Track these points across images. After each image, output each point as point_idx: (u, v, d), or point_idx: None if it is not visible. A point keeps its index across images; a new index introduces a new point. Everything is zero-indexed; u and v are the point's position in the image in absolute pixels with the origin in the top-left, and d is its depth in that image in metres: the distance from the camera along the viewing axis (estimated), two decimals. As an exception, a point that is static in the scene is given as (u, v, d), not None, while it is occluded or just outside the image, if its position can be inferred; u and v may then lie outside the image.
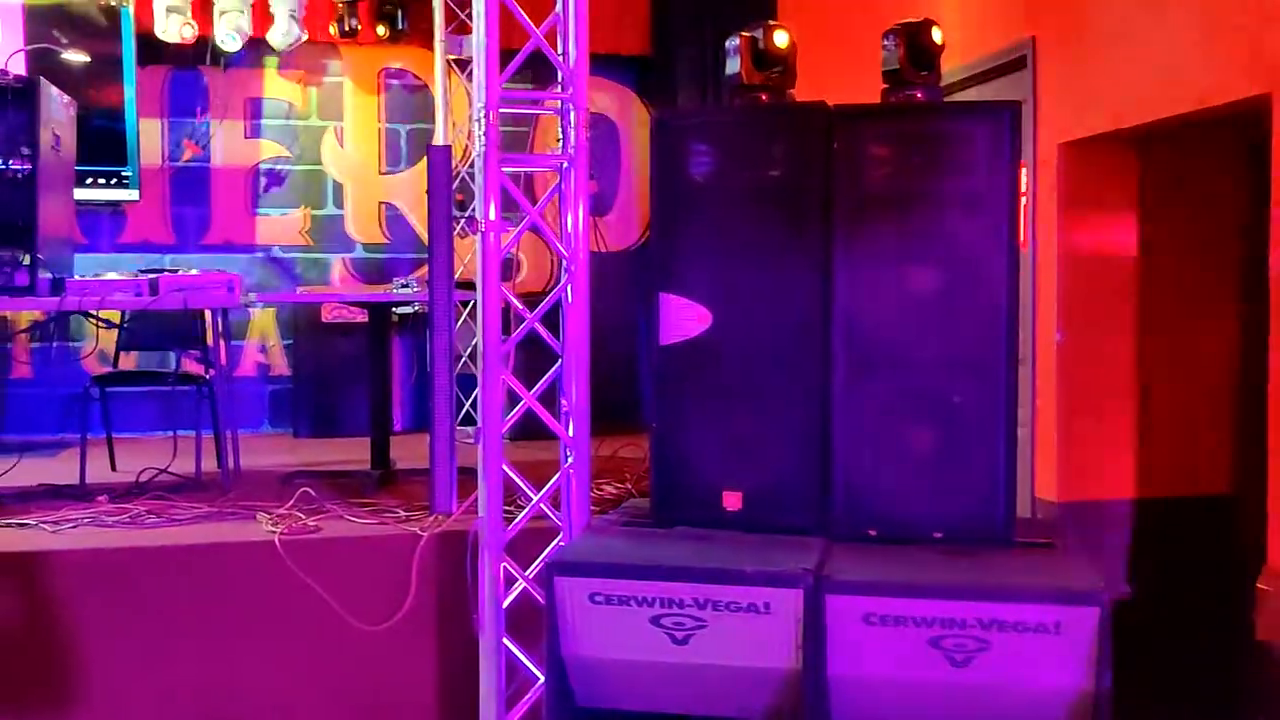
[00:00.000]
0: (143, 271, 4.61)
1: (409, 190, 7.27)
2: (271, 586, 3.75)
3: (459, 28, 6.41)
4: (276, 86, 7.13)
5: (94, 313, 4.59)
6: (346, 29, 6.89)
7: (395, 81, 7.30)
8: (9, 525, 4.05)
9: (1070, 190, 4.04)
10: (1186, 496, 4.06)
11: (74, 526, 4.03)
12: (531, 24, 3.42)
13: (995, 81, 4.44)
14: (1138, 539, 3.98)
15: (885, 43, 2.97)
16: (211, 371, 5.17)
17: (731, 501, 2.96)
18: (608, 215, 7.39)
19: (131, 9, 6.52)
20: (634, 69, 7.47)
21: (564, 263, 3.54)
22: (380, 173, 7.32)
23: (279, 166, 7.12)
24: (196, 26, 6.50)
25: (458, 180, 6.20)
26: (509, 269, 4.98)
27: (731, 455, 2.98)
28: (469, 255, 5.25)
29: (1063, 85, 4.01)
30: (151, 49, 6.61)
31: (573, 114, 3.47)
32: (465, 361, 6.15)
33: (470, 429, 3.63)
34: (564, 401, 3.56)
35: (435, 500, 4.10)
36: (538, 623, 2.95)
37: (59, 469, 5.07)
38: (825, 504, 2.90)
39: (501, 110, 3.41)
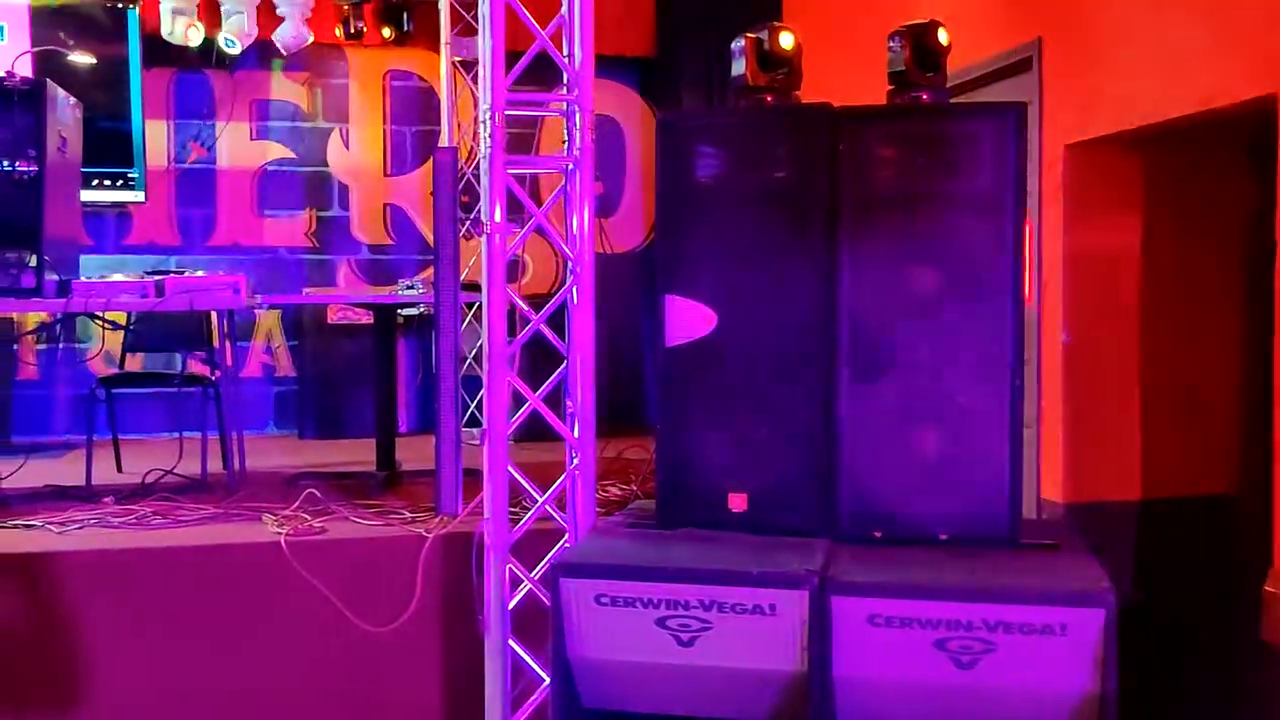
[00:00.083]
0: (149, 273, 4.62)
1: (414, 192, 7.28)
2: (277, 588, 3.76)
3: (464, 29, 6.42)
4: (282, 88, 7.15)
5: (100, 314, 4.59)
6: (352, 31, 6.90)
7: (401, 83, 7.31)
8: (15, 526, 4.06)
9: (1076, 191, 4.04)
10: (1192, 497, 4.06)
11: (80, 528, 4.04)
12: (537, 26, 3.43)
13: (1001, 83, 4.44)
14: (1143, 540, 3.97)
15: (891, 44, 2.97)
16: (217, 373, 5.18)
17: (737, 503, 2.96)
18: (612, 217, 7.40)
19: (138, 11, 6.54)
20: (639, 70, 7.48)
21: (569, 264, 3.54)
22: (385, 174, 7.33)
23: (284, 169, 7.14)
24: (203, 29, 6.51)
25: (463, 182, 6.21)
26: (514, 271, 4.98)
27: (737, 457, 2.97)
28: (474, 257, 5.26)
29: (1068, 86, 4.01)
30: (157, 51, 6.63)
31: (578, 115, 3.48)
32: (470, 363, 6.15)
33: (475, 430, 3.63)
34: (569, 403, 3.56)
35: (441, 502, 4.11)
36: (543, 624, 2.95)
37: (65, 470, 5.09)
38: (830, 505, 2.90)
39: (507, 112, 3.41)
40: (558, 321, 3.59)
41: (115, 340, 5.65)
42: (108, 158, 6.40)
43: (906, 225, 2.86)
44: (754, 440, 2.96)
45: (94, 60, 5.92)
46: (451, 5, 6.25)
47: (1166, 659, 3.79)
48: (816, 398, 2.90)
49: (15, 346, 6.65)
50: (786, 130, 3.02)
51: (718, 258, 3.01)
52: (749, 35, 3.04)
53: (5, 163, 4.13)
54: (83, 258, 4.86)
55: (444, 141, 6.57)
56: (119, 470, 5.19)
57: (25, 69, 5.40)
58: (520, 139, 6.74)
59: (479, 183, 3.62)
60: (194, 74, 6.95)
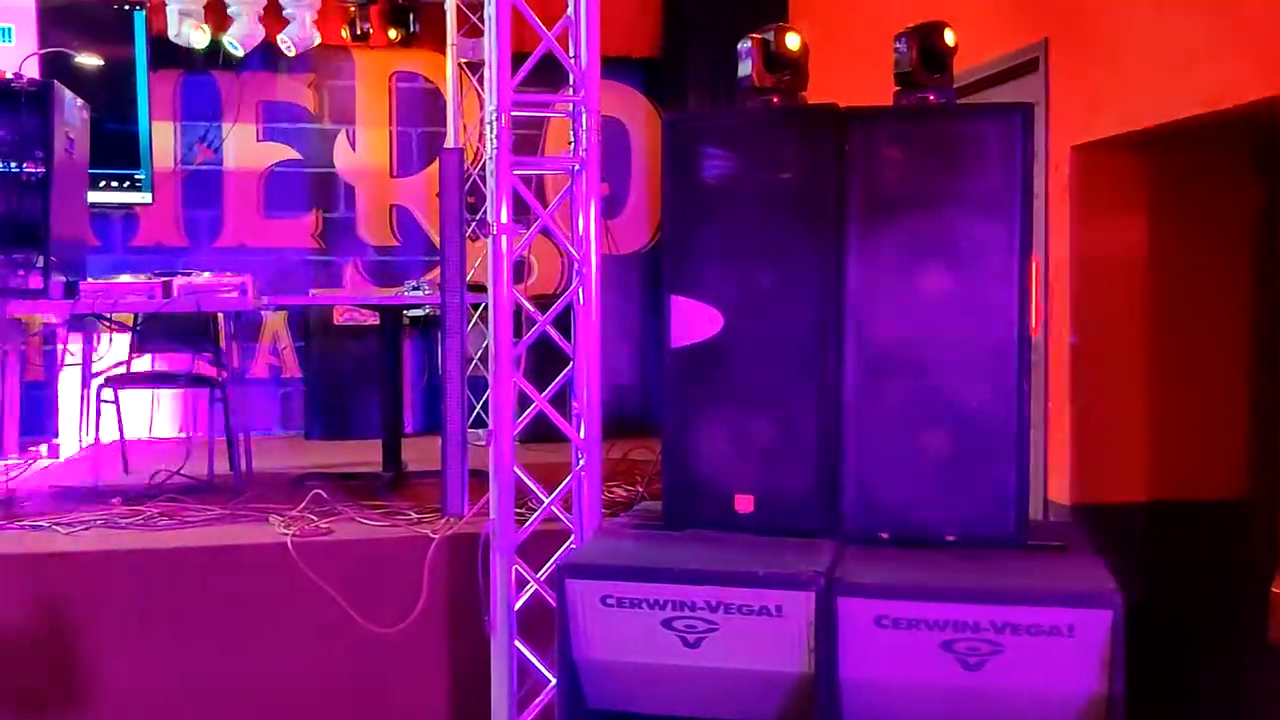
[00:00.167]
0: (156, 274, 4.63)
1: (420, 193, 7.29)
2: (283, 589, 3.76)
3: (471, 31, 6.43)
4: (288, 90, 7.15)
5: (107, 315, 4.60)
6: (358, 32, 6.91)
7: (407, 84, 7.32)
8: (23, 527, 4.07)
9: (1082, 192, 4.03)
10: (1199, 500, 4.05)
11: (87, 528, 4.04)
12: (543, 27, 3.43)
13: (1007, 84, 4.44)
14: (1149, 542, 3.96)
15: (897, 45, 2.97)
16: (224, 374, 5.19)
17: (743, 504, 2.96)
18: (618, 218, 7.40)
19: (145, 13, 6.55)
20: (644, 72, 7.48)
21: (575, 265, 3.55)
22: (391, 176, 7.33)
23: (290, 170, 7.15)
24: (208, 31, 6.53)
25: (469, 183, 6.22)
26: (520, 272, 4.99)
27: (743, 458, 2.97)
28: (480, 258, 5.27)
29: (1074, 87, 4.00)
30: (164, 52, 6.64)
31: (584, 117, 3.48)
32: (476, 364, 6.16)
33: (481, 431, 3.64)
34: (575, 404, 3.56)
35: (447, 502, 4.11)
36: (549, 625, 2.95)
37: (72, 471, 5.10)
38: (837, 506, 2.90)
39: (513, 113, 3.42)
40: (563, 322, 3.59)
41: (123, 341, 5.66)
42: (115, 159, 6.41)
43: (913, 226, 2.86)
44: (760, 441, 2.96)
45: (101, 62, 5.93)
46: (458, 6, 6.27)
47: (1173, 661, 3.78)
48: (823, 399, 2.90)
49: (23, 347, 6.66)
50: (793, 131, 3.03)
51: (724, 259, 3.01)
52: (755, 36, 3.04)
53: (13, 164, 4.15)
54: (90, 259, 4.87)
55: (450, 143, 6.58)
56: (126, 471, 5.20)
57: (33, 71, 5.42)
58: (526, 140, 6.72)
59: (485, 184, 3.63)
60: (201, 76, 6.96)
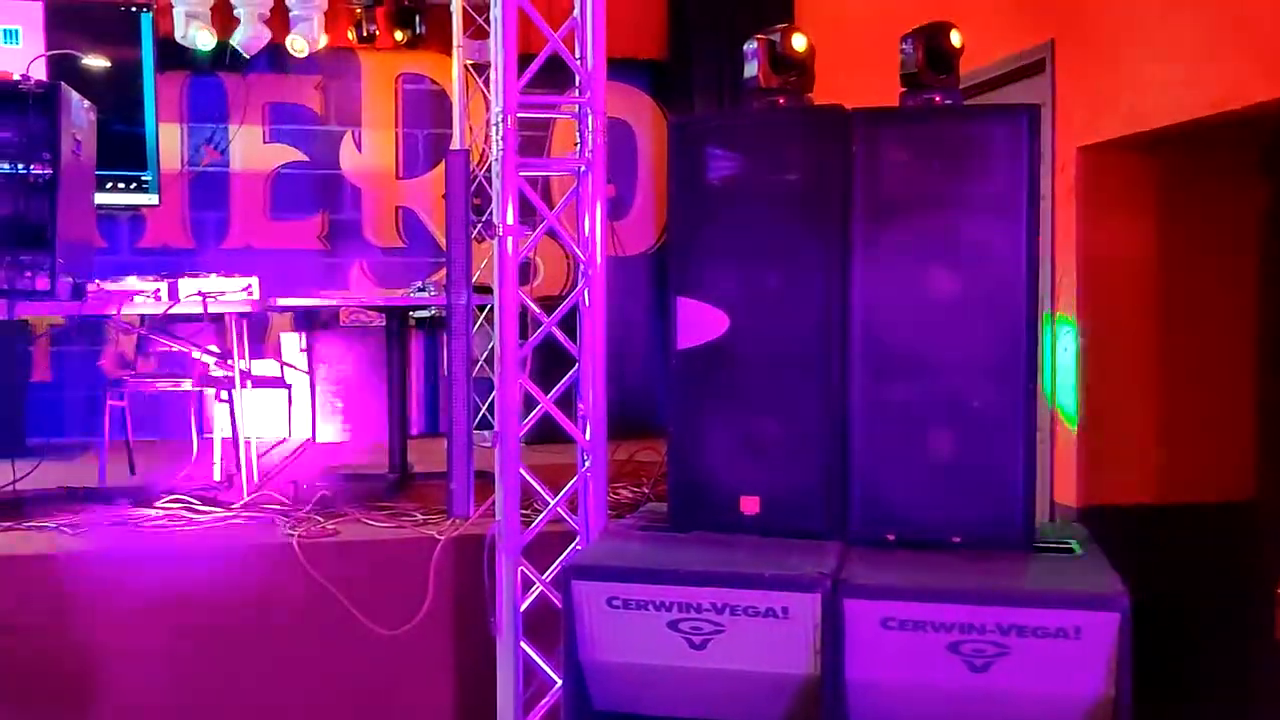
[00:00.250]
0: (162, 276, 4.63)
1: (426, 195, 7.29)
2: (290, 589, 3.77)
3: (477, 32, 6.43)
4: (295, 91, 7.16)
5: (114, 316, 4.61)
6: (365, 34, 6.92)
7: (413, 86, 7.32)
8: (30, 528, 4.07)
9: (1089, 193, 4.02)
10: (1206, 502, 4.04)
11: (94, 530, 4.05)
12: (549, 28, 3.43)
13: (1013, 85, 4.43)
14: (1156, 544, 3.95)
15: (903, 46, 2.97)
16: (230, 375, 5.19)
17: (749, 506, 2.95)
18: (623, 219, 7.40)
19: (152, 15, 6.57)
20: (650, 73, 7.48)
21: (581, 267, 3.54)
22: (397, 177, 7.34)
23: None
24: (214, 34, 6.53)
25: (475, 184, 6.22)
26: (525, 273, 4.99)
27: (749, 459, 2.97)
28: (485, 259, 5.27)
29: (1081, 88, 4.00)
30: (171, 54, 6.66)
31: (590, 118, 3.48)
32: (482, 365, 6.16)
33: (487, 433, 3.63)
34: (581, 405, 3.56)
35: (453, 504, 4.11)
36: (555, 626, 2.95)
37: (79, 472, 5.11)
38: (843, 508, 2.89)
39: (519, 115, 3.42)
40: (569, 324, 3.59)
41: (129, 342, 5.67)
42: (122, 161, 6.43)
43: (919, 227, 2.85)
44: (766, 443, 2.96)
45: (108, 64, 5.94)
46: (464, 8, 6.26)
47: (1180, 663, 3.77)
48: (829, 400, 2.89)
49: (30, 348, 6.68)
50: (799, 132, 3.02)
51: (730, 260, 3.00)
52: (761, 37, 3.03)
53: (20, 166, 4.15)
54: (97, 260, 4.88)
55: (456, 144, 6.58)
56: (132, 472, 5.21)
57: (40, 73, 5.43)
58: (532, 141, 6.75)
59: (491, 185, 3.63)
60: (207, 77, 6.97)
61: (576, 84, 3.51)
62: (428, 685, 3.86)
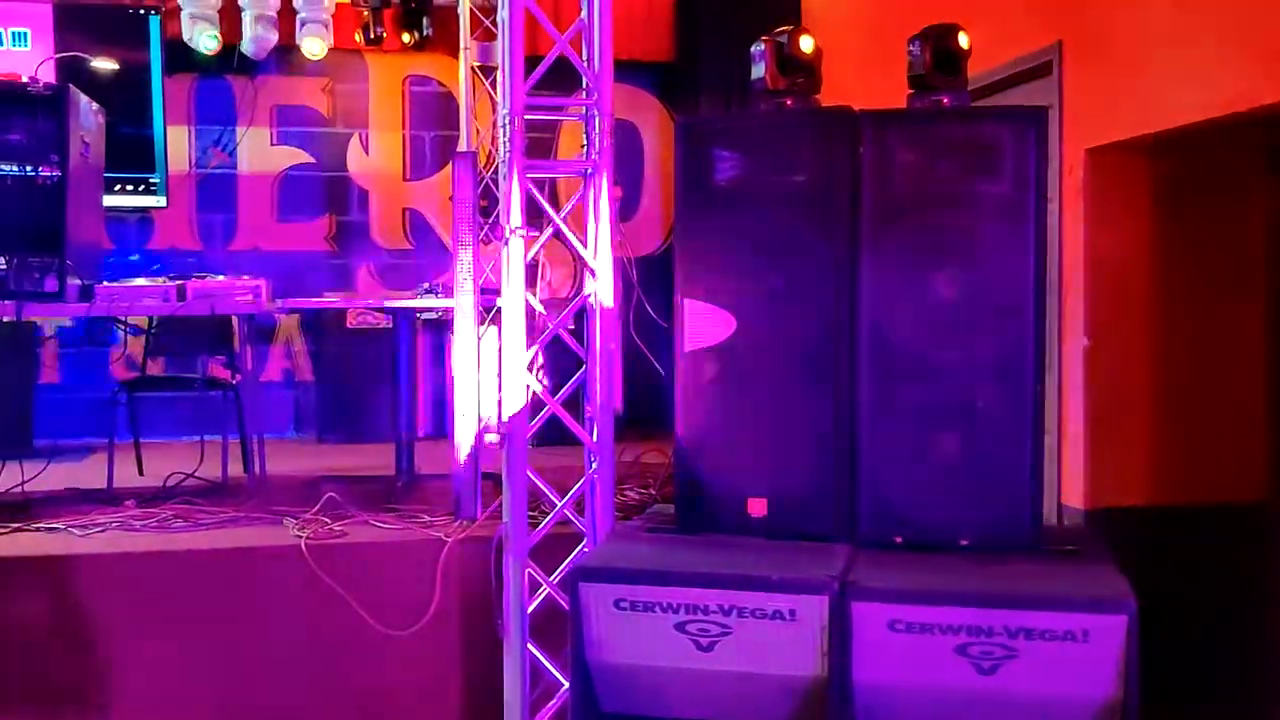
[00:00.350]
0: (170, 277, 4.65)
1: (433, 196, 7.30)
2: (297, 591, 3.77)
3: (484, 34, 6.43)
4: (302, 94, 7.18)
5: (122, 318, 4.62)
6: (372, 36, 6.92)
7: (420, 88, 7.33)
8: (38, 529, 4.08)
9: (1096, 195, 4.02)
10: (1215, 504, 4.03)
11: (102, 531, 4.06)
12: (556, 31, 3.43)
13: (1021, 87, 4.42)
14: (1165, 547, 3.94)
15: (911, 48, 2.96)
16: (238, 377, 5.21)
17: (756, 508, 2.95)
18: (630, 221, 7.40)
19: (160, 17, 6.58)
20: (657, 75, 7.48)
21: (588, 268, 3.55)
22: (405, 179, 7.35)
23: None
24: (219, 38, 6.54)
25: (482, 186, 6.22)
26: (532, 274, 4.98)
27: (756, 461, 2.97)
28: (492, 261, 5.27)
29: (1089, 90, 3.99)
30: (179, 56, 6.67)
31: (597, 120, 3.48)
32: (489, 367, 6.16)
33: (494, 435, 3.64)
34: (588, 407, 3.56)
35: (460, 505, 4.12)
36: (562, 628, 2.95)
37: (86, 473, 5.12)
38: (851, 511, 2.89)
39: (526, 116, 3.42)
40: (576, 325, 3.59)
41: (137, 344, 5.68)
42: (130, 163, 6.45)
43: (927, 229, 2.85)
44: (773, 445, 2.95)
45: (116, 66, 5.96)
46: (471, 10, 6.26)
47: (1188, 665, 3.76)
48: (837, 402, 2.89)
49: (38, 350, 6.70)
50: (807, 134, 3.02)
51: (736, 262, 3.00)
52: (769, 39, 3.03)
53: (29, 168, 4.17)
54: (105, 262, 4.89)
55: (463, 146, 6.58)
56: (140, 473, 5.22)
57: (49, 75, 5.44)
58: (539, 143, 6.75)
59: (498, 187, 3.63)
60: (215, 80, 6.98)
61: (583, 86, 3.51)
62: (435, 686, 3.87)
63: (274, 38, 6.68)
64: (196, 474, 4.78)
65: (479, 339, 4.13)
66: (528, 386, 3.48)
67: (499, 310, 3.59)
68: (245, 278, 4.75)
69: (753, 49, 3.07)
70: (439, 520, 4.14)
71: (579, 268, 3.66)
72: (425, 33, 7.00)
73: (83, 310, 4.39)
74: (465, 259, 4.13)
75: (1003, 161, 2.83)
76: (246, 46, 6.64)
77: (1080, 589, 2.52)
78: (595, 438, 3.53)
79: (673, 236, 3.77)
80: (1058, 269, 4.07)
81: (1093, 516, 3.98)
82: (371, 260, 7.29)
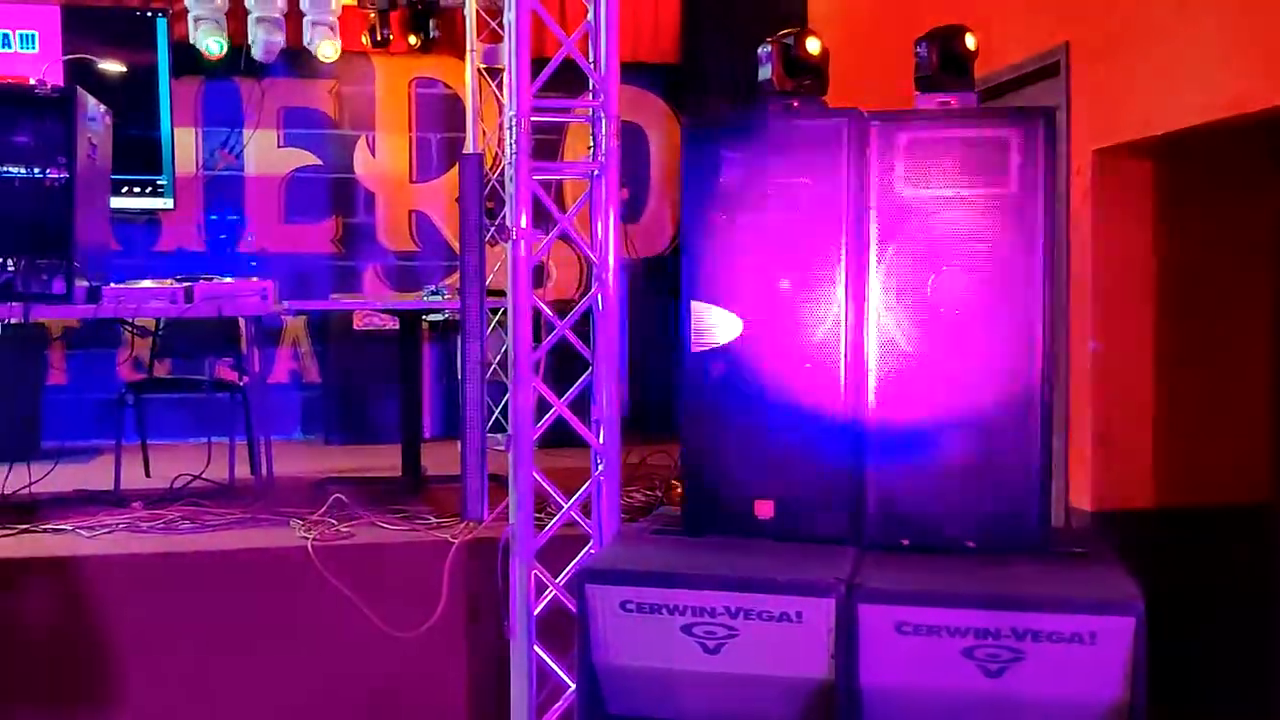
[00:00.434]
0: (178, 279, 4.65)
1: (439, 198, 7.30)
2: (304, 592, 3.77)
3: (490, 36, 6.44)
4: (309, 96, 7.19)
5: (129, 320, 4.63)
6: (379, 38, 6.93)
7: (426, 90, 7.34)
8: (45, 530, 4.09)
9: (1104, 196, 4.01)
10: (1222, 505, 4.02)
11: (109, 532, 4.07)
12: (563, 32, 3.43)
13: (1029, 88, 4.42)
14: (1173, 548, 3.93)
15: (918, 49, 2.96)
16: (245, 378, 5.21)
17: (763, 510, 2.95)
18: (637, 222, 7.40)
19: (167, 20, 6.59)
20: (663, 76, 7.48)
21: (594, 270, 3.55)
22: (411, 181, 7.35)
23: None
24: (225, 42, 6.54)
25: (488, 188, 6.23)
26: (538, 276, 4.99)
27: (763, 463, 2.96)
28: (499, 263, 5.28)
29: (1097, 91, 3.98)
30: (186, 59, 6.68)
31: (604, 122, 3.48)
32: (495, 369, 6.17)
33: (501, 436, 3.64)
34: (594, 409, 3.56)
35: (466, 507, 4.11)
36: (569, 630, 2.95)
37: (94, 475, 5.13)
38: (858, 513, 2.89)
39: (532, 118, 3.42)
40: (582, 327, 3.59)
41: (144, 345, 5.69)
42: (137, 165, 6.45)
43: (935, 230, 2.85)
44: (780, 447, 2.95)
45: (124, 68, 5.97)
46: (478, 12, 6.27)
47: (1196, 668, 3.75)
48: (844, 404, 2.89)
49: (45, 351, 6.71)
50: (814, 135, 3.01)
51: (743, 263, 3.00)
52: (775, 40, 3.03)
53: (37, 170, 4.17)
54: (112, 263, 4.90)
55: (469, 148, 6.58)
56: (147, 475, 5.23)
57: (56, 77, 5.45)
58: (545, 145, 6.76)
59: (504, 189, 3.63)
60: (222, 82, 6.99)
61: (590, 87, 3.51)
62: (441, 688, 3.87)
63: (281, 40, 6.69)
64: (203, 475, 4.78)
65: (485, 341, 4.13)
66: (534, 388, 3.48)
67: (505, 312, 3.59)
68: (252, 279, 4.75)
69: (759, 50, 3.07)
70: (446, 522, 4.14)
71: (585, 269, 3.66)
72: (432, 35, 7.00)
73: (90, 312, 4.39)
74: (472, 261, 4.13)
75: (1010, 162, 2.83)
76: (255, 49, 6.65)
77: (1087, 591, 2.51)
78: (602, 440, 3.53)
79: (679, 238, 3.77)
80: (1066, 270, 4.07)
81: (1100, 518, 3.97)
82: (378, 262, 7.30)
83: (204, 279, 4.69)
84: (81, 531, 4.05)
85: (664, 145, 7.51)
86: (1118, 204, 4.01)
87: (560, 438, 3.65)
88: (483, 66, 6.52)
